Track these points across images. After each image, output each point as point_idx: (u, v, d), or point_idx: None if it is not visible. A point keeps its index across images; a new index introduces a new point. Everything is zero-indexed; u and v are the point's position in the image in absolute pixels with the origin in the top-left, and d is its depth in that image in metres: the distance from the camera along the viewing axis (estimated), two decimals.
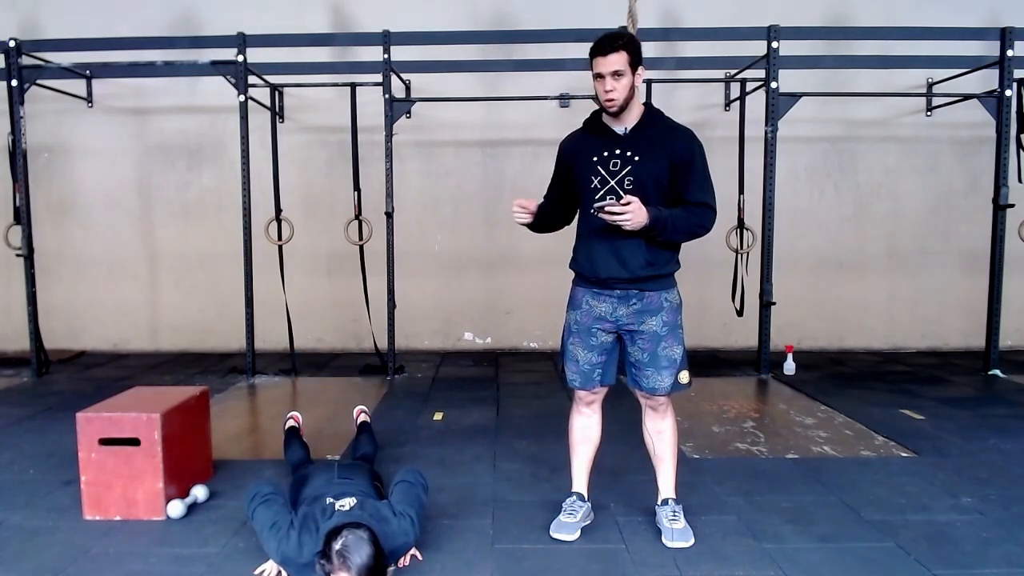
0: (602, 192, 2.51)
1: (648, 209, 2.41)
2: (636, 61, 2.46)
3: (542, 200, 2.74)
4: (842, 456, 3.63)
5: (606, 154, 2.53)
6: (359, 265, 6.01)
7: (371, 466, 3.12)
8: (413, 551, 2.49)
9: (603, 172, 2.53)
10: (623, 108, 2.49)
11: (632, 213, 2.37)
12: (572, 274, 2.72)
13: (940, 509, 2.93)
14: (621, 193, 2.47)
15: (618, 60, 2.42)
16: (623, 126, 2.54)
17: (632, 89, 2.47)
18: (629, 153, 2.51)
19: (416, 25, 5.69)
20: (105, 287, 6.83)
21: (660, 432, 2.71)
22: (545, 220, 2.72)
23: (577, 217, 2.69)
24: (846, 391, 5.05)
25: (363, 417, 3.67)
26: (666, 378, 2.60)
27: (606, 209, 2.39)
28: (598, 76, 2.46)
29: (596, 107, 2.64)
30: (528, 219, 2.65)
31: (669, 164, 2.50)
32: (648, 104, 2.63)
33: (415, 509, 2.50)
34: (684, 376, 2.65)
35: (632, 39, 2.48)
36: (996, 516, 2.86)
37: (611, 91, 2.44)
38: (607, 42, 2.44)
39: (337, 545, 2.15)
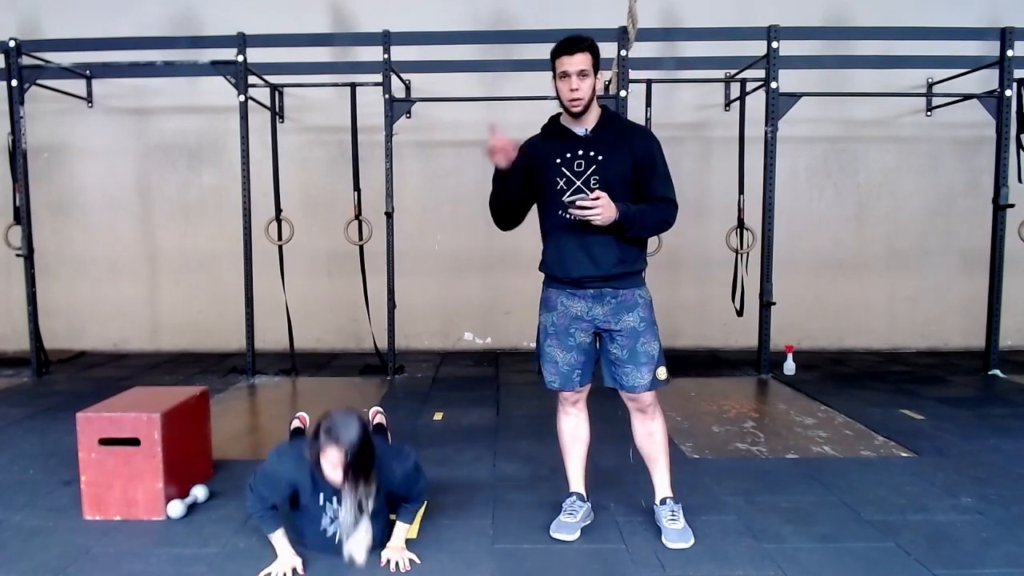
0: (568, 193, 2.53)
1: (616, 204, 2.44)
2: (598, 64, 2.52)
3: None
4: (842, 456, 3.63)
5: (569, 155, 2.56)
6: (359, 265, 6.01)
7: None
8: (411, 555, 2.49)
9: (568, 173, 2.55)
10: (586, 108, 2.52)
11: (602, 208, 2.40)
12: None
13: (940, 509, 2.93)
14: (587, 192, 2.49)
15: (583, 60, 2.47)
16: (583, 127, 2.57)
17: (594, 90, 2.52)
18: (592, 153, 2.54)
19: (416, 25, 5.69)
20: (105, 287, 6.83)
21: (651, 434, 2.72)
22: (509, 200, 2.67)
23: (540, 221, 2.69)
24: (846, 391, 5.05)
25: (379, 419, 3.61)
26: (645, 374, 2.61)
27: (578, 204, 2.40)
28: (563, 75, 2.50)
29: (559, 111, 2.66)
30: (505, 163, 2.50)
31: (632, 162, 2.55)
32: (604, 106, 2.67)
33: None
34: (662, 372, 2.65)
35: (595, 43, 2.53)
36: (996, 516, 2.86)
37: (576, 90, 2.48)
38: (573, 42, 2.49)
39: (326, 424, 2.23)
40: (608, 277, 2.56)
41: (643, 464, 2.79)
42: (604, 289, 2.58)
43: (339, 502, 2.36)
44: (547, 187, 2.59)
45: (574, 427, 2.77)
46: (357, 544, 2.26)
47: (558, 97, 2.57)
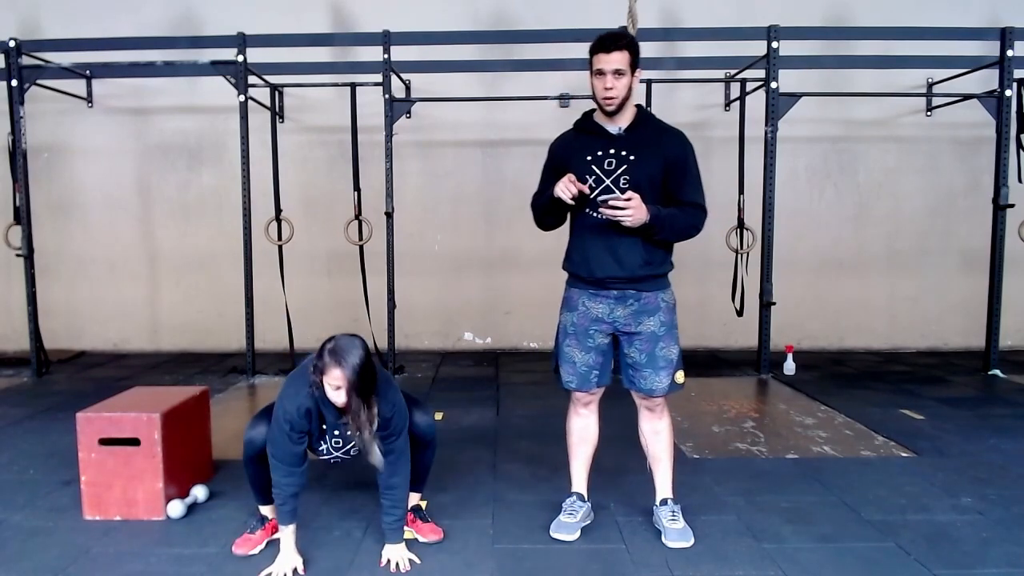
0: (597, 191, 2.51)
1: (647, 206, 2.41)
2: (636, 62, 2.49)
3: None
4: (842, 456, 3.63)
5: (600, 153, 2.53)
6: (359, 265, 6.01)
7: None
8: (411, 555, 2.49)
9: (598, 171, 2.52)
10: (620, 107, 2.50)
11: (634, 209, 2.37)
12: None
13: (940, 509, 2.93)
14: (617, 192, 2.47)
15: (620, 59, 2.44)
16: (617, 126, 2.54)
17: (630, 89, 2.49)
18: (624, 152, 2.51)
19: (416, 25, 5.69)
20: (105, 287, 6.83)
21: (657, 432, 2.72)
22: (556, 217, 2.68)
23: (570, 218, 2.67)
24: (846, 391, 5.05)
25: None
26: (663, 379, 2.60)
27: (610, 204, 2.38)
28: (599, 73, 2.46)
29: (594, 107, 2.64)
30: (572, 197, 2.46)
31: (663, 164, 2.52)
32: (639, 105, 2.64)
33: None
34: (680, 376, 2.65)
35: (633, 40, 2.51)
36: (996, 516, 2.86)
37: (611, 89, 2.45)
38: (610, 40, 2.46)
39: (330, 346, 2.26)
40: (632, 279, 2.53)
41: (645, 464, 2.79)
42: (627, 291, 2.55)
43: (340, 433, 2.44)
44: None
45: (583, 428, 2.76)
46: (373, 456, 2.39)
47: (593, 95, 2.55)
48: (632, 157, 2.50)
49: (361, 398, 2.26)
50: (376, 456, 2.39)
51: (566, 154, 2.61)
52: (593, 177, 2.52)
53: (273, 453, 2.40)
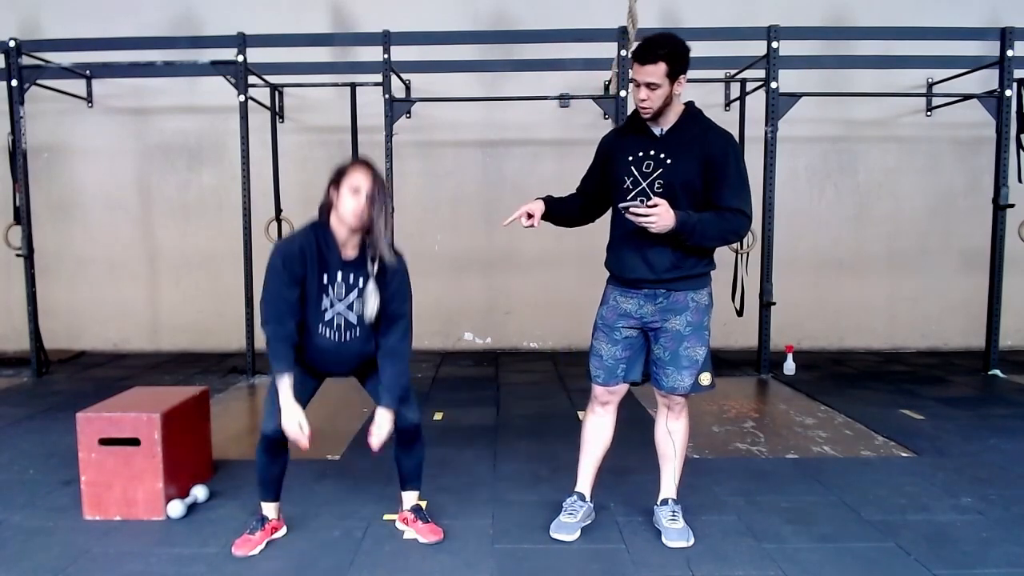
0: (633, 193, 2.50)
1: (676, 213, 2.36)
2: (677, 71, 2.43)
3: (551, 195, 2.72)
4: (842, 456, 3.63)
5: (640, 154, 2.51)
6: None
7: None
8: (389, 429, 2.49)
9: (636, 173, 2.51)
10: (658, 115, 2.48)
11: (658, 216, 2.33)
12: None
13: (940, 509, 2.93)
14: (651, 195, 2.45)
15: (654, 72, 2.39)
16: (660, 127, 2.52)
17: (668, 97, 2.44)
18: (662, 155, 2.48)
19: (416, 25, 5.69)
20: (105, 287, 6.83)
21: (671, 432, 2.71)
22: (563, 212, 2.71)
23: (611, 216, 2.66)
24: (846, 391, 5.05)
25: None
26: (686, 378, 2.59)
27: (631, 211, 2.37)
28: (634, 82, 2.45)
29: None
30: (534, 224, 2.63)
31: (702, 167, 2.46)
32: (689, 104, 2.58)
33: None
34: (705, 378, 2.63)
35: (675, 48, 2.42)
36: (996, 516, 2.86)
37: (644, 100, 2.43)
38: (645, 51, 2.40)
39: (348, 159, 2.26)
40: (662, 280, 2.52)
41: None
42: (657, 289, 2.54)
43: (342, 278, 2.41)
44: (616, 185, 2.55)
45: (599, 427, 2.75)
46: (370, 301, 2.39)
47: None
48: (669, 160, 2.47)
49: (379, 202, 2.23)
50: (372, 302, 2.38)
51: (611, 151, 2.62)
52: (631, 179, 2.51)
53: (264, 305, 2.38)
